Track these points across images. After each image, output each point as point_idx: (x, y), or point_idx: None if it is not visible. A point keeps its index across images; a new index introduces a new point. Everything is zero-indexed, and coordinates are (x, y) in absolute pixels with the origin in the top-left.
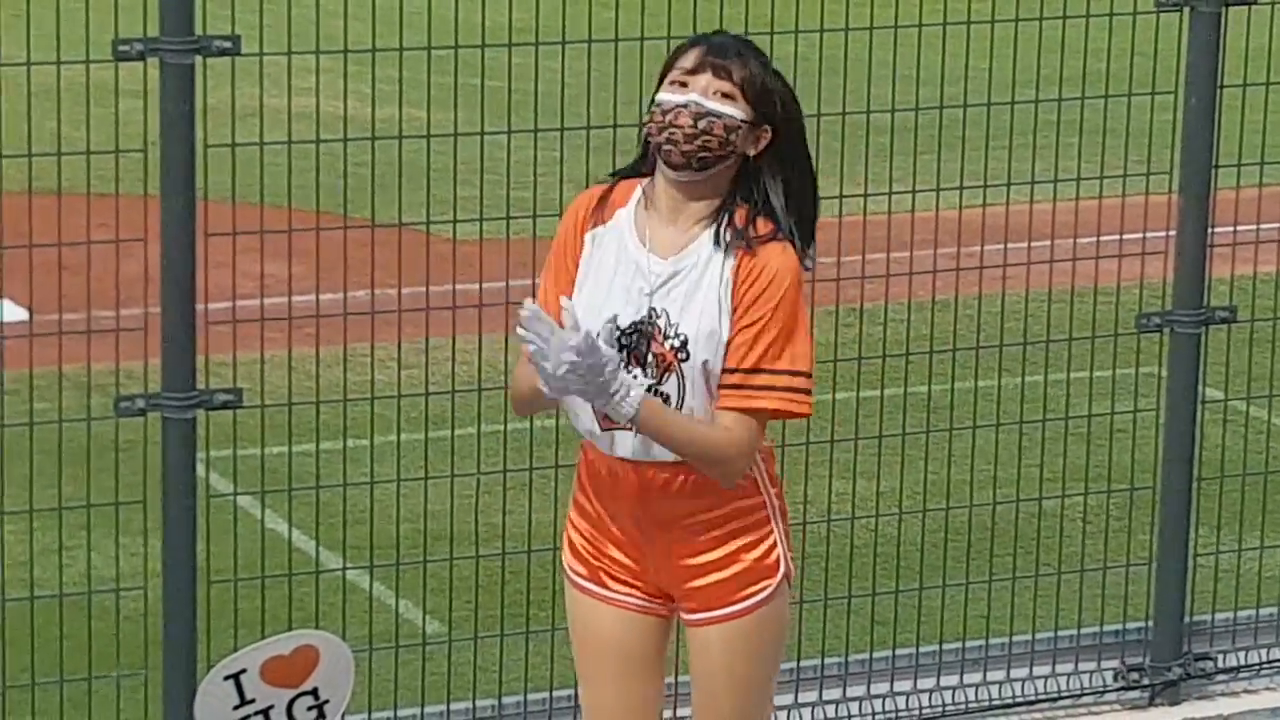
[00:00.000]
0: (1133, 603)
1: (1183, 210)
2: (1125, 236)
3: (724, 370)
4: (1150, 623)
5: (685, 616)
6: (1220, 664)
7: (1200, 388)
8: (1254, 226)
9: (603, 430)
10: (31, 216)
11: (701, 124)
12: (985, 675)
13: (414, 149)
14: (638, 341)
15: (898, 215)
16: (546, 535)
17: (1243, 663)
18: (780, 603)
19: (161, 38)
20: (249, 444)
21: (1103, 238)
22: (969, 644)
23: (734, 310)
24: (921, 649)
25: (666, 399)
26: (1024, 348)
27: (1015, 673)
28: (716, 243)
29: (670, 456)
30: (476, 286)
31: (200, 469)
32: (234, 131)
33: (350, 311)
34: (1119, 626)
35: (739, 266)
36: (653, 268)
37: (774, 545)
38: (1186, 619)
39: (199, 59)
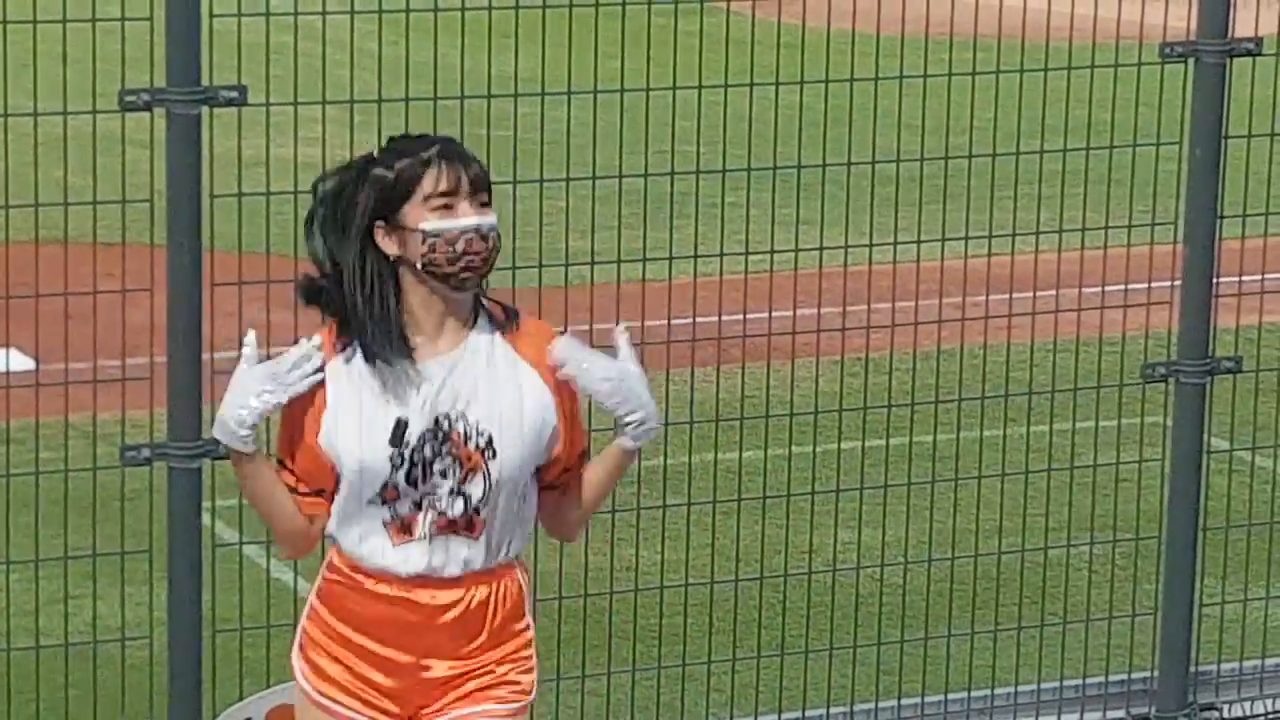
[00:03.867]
0: (1138, 653)
1: (1188, 260)
2: (1130, 286)
3: (565, 470)
4: (1155, 673)
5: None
6: (1226, 714)
7: (1206, 437)
8: (1259, 276)
9: (395, 546)
10: (38, 266)
11: (490, 241)
12: None
13: None
14: (434, 451)
15: (903, 265)
16: (551, 586)
17: (1248, 713)
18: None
19: (168, 88)
20: None
21: (1108, 288)
22: (974, 694)
23: (558, 399)
24: (927, 699)
25: (468, 499)
26: (1029, 397)
27: None
28: (486, 331)
29: (459, 571)
30: None
31: (206, 518)
32: (240, 181)
33: None
34: (1124, 676)
35: (523, 351)
36: (426, 374)
37: (531, 668)
38: (1192, 669)
39: (205, 109)
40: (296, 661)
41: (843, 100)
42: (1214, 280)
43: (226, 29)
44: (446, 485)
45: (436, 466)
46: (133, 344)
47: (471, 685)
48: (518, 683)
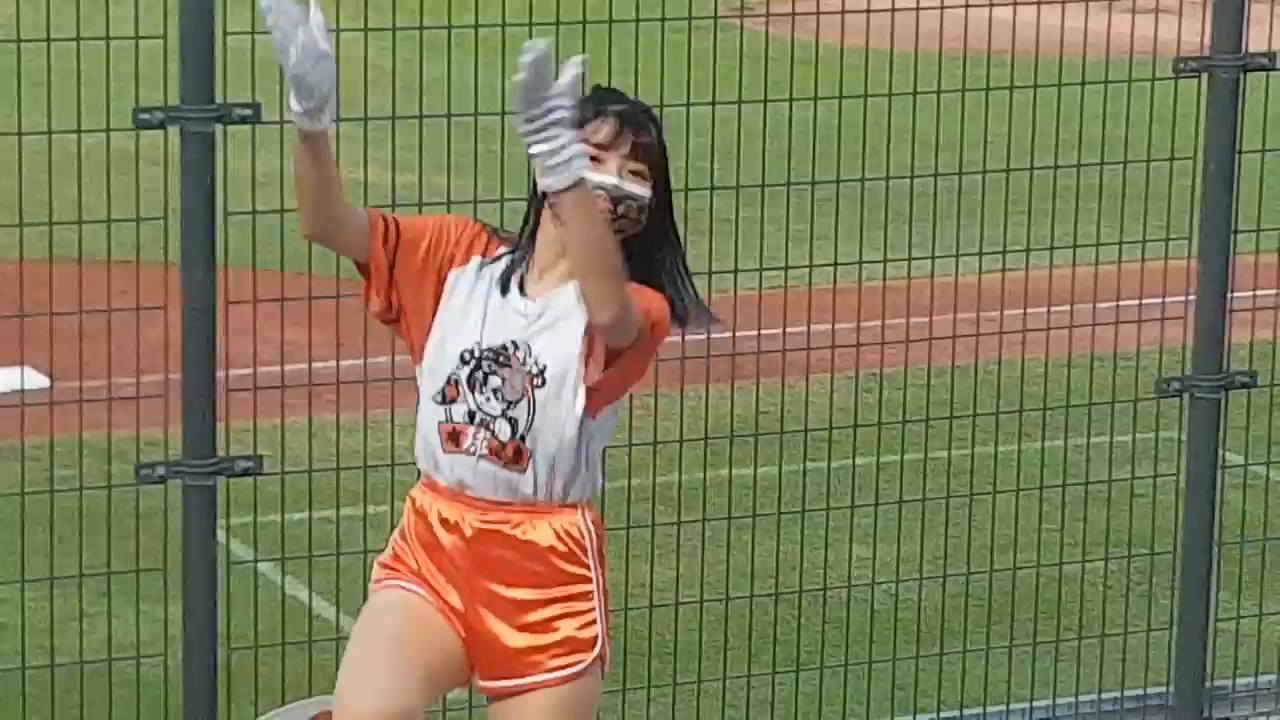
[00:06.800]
0: (1153, 668)
1: (1202, 275)
2: (1145, 301)
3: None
4: (1171, 688)
5: (490, 685)
6: None
7: (1220, 452)
8: (1273, 291)
9: (445, 452)
10: (52, 284)
11: (620, 208)
12: None
13: None
14: (491, 367)
15: (917, 281)
16: None
17: None
18: (591, 681)
19: (182, 106)
20: (269, 510)
21: (1122, 303)
22: (990, 709)
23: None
24: (942, 715)
25: (514, 423)
26: (1044, 413)
27: None
28: None
29: (504, 496)
30: None
31: (221, 535)
32: (254, 199)
33: (371, 378)
34: (1140, 692)
35: None
36: (527, 310)
37: (593, 621)
38: (1208, 684)
39: (220, 127)
40: (375, 571)
41: (857, 116)
42: (1228, 295)
43: (240, 46)
44: (498, 407)
45: (492, 383)
46: (147, 362)
47: (527, 642)
48: (575, 640)
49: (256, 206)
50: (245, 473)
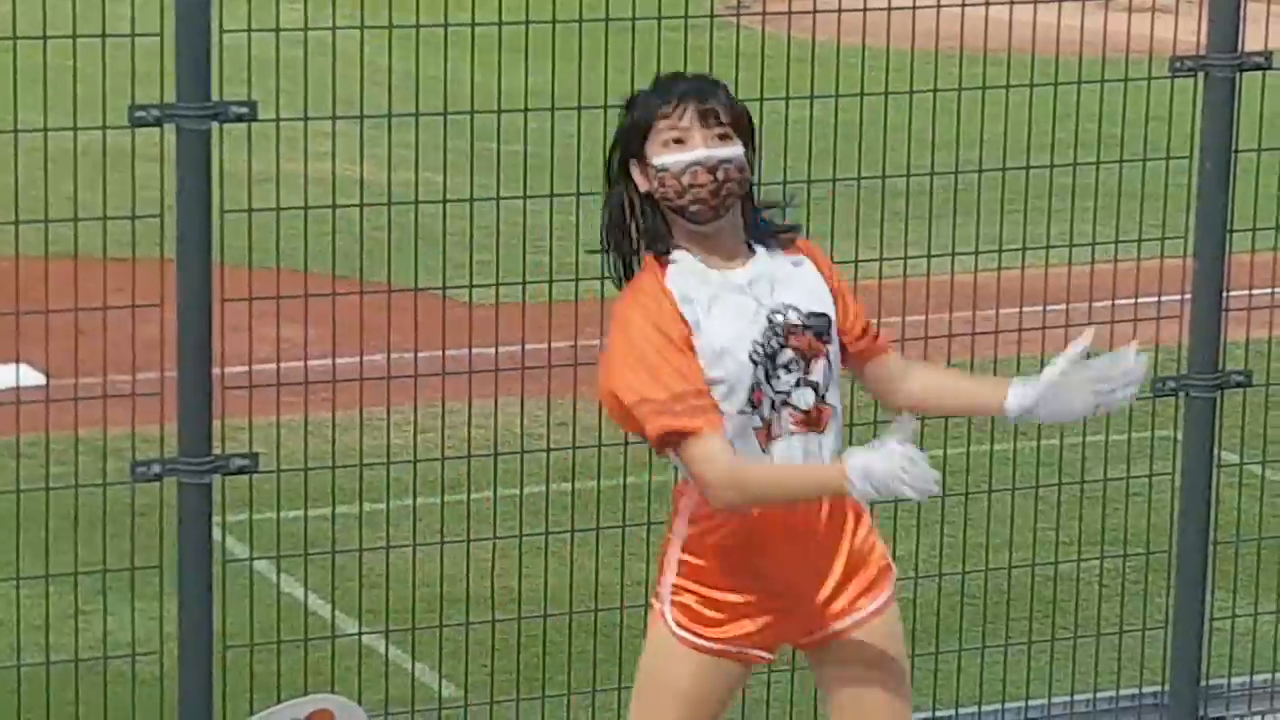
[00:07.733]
0: (1149, 666)
1: (1198, 274)
2: (1140, 300)
3: (862, 334)
4: (1166, 686)
5: (815, 637)
6: None
7: (1216, 451)
8: (1269, 290)
9: (764, 452)
10: (48, 281)
11: (720, 174)
12: None
13: (430, 213)
14: (779, 345)
15: (913, 279)
16: (562, 599)
17: None
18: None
19: (178, 104)
20: (265, 508)
21: (1118, 301)
22: (985, 708)
23: (833, 290)
24: (938, 713)
25: (815, 387)
26: None
27: None
28: (765, 245)
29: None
30: (493, 350)
31: (216, 533)
32: (250, 196)
33: (367, 376)
34: (1135, 690)
35: (800, 249)
36: (737, 281)
37: (877, 543)
38: (1203, 683)
39: (215, 124)
40: (669, 612)
41: (853, 114)
42: (1224, 294)
43: (237, 44)
44: (793, 377)
45: (780, 360)
46: (143, 359)
47: (856, 580)
48: (885, 567)
49: (252, 204)
50: (241, 470)
